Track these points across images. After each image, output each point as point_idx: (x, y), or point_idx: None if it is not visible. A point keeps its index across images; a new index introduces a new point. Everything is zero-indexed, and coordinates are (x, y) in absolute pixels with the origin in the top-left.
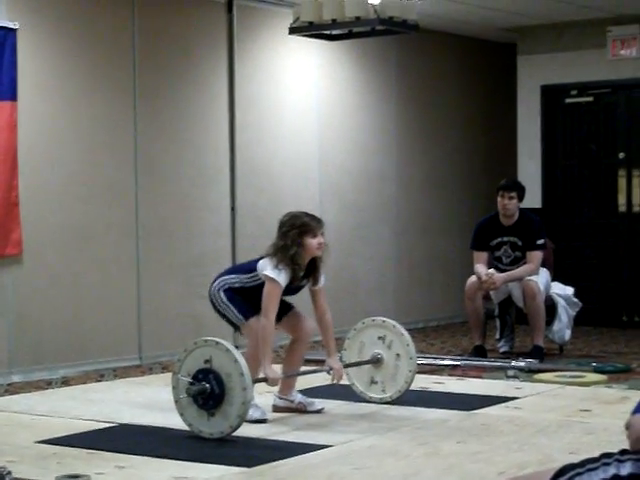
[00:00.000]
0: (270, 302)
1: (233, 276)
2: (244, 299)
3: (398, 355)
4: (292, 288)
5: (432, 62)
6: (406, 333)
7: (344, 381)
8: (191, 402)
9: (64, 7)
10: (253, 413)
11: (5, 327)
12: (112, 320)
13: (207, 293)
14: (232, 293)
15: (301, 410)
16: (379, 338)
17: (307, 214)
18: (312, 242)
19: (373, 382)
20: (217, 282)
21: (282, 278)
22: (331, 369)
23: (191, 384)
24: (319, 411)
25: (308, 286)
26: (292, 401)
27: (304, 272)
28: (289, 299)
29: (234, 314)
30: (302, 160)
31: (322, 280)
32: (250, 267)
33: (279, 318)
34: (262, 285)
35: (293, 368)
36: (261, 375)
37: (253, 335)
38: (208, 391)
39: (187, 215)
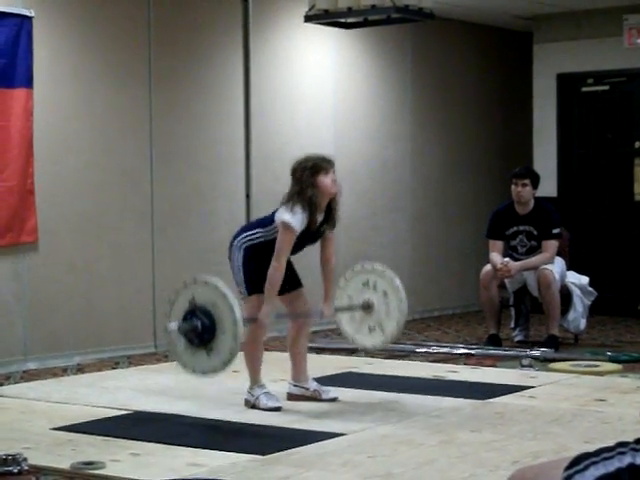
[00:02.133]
0: (283, 246)
1: (255, 230)
2: (260, 265)
3: (385, 292)
4: (310, 234)
5: (448, 50)
6: (387, 269)
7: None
8: (188, 346)
9: None
10: (267, 401)
11: (21, 314)
12: (127, 307)
13: (228, 244)
14: (251, 255)
15: (316, 398)
16: (363, 284)
17: (317, 155)
18: (326, 180)
19: (371, 330)
20: (240, 237)
21: (296, 222)
22: (322, 314)
23: (180, 325)
24: (334, 399)
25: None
26: (307, 389)
27: (323, 215)
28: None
29: (242, 281)
30: (317, 147)
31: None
32: (270, 219)
33: (283, 290)
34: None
35: (299, 356)
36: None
37: (251, 313)
38: (199, 326)
39: (202, 202)
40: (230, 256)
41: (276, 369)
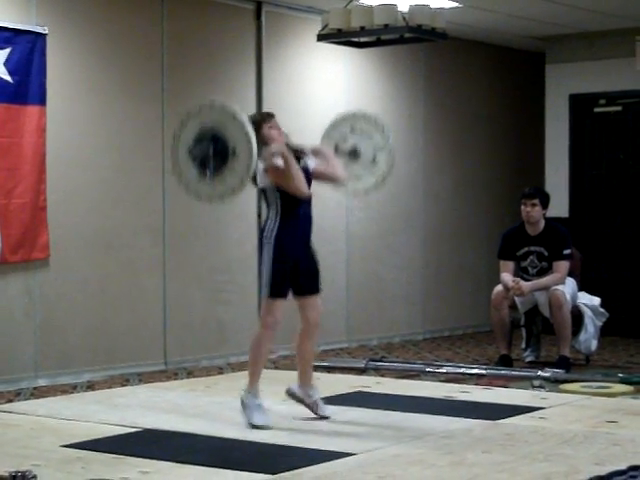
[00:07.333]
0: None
1: (267, 224)
2: (285, 269)
3: (370, 134)
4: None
5: (460, 70)
6: (368, 112)
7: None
8: (201, 176)
9: (93, 12)
10: (258, 419)
11: (31, 331)
12: (138, 325)
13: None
14: (278, 253)
15: (311, 409)
16: (351, 130)
17: (257, 112)
18: (271, 132)
19: (357, 177)
20: (265, 234)
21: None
22: (314, 150)
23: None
24: (324, 417)
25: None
26: (310, 396)
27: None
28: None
29: (266, 280)
30: None
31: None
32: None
33: (300, 291)
34: (284, 206)
35: (303, 362)
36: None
37: (265, 315)
38: (211, 151)
39: (214, 221)
40: (260, 250)
41: (285, 388)
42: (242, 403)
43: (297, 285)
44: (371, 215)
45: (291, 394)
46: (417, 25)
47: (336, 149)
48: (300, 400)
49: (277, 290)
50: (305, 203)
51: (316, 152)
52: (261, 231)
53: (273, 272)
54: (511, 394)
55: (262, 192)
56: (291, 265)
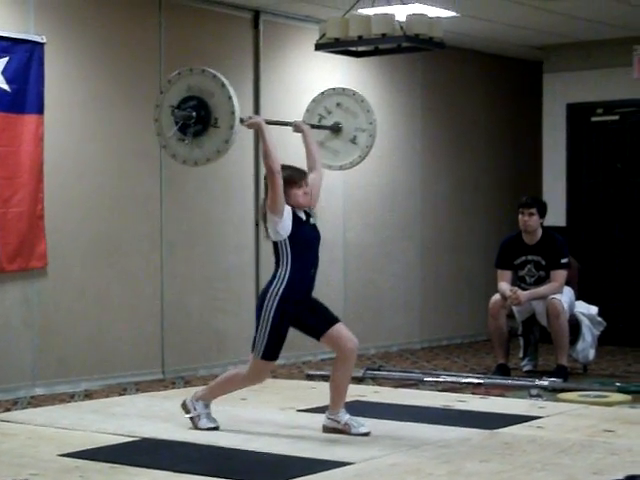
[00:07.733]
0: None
1: (274, 283)
2: (282, 334)
3: (355, 113)
4: (308, 227)
5: (458, 79)
6: (358, 92)
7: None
8: (181, 138)
9: (91, 21)
10: (207, 423)
11: (29, 340)
12: (135, 333)
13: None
14: (280, 313)
15: (346, 432)
16: (337, 105)
17: (290, 167)
18: (297, 193)
19: (334, 153)
20: (269, 296)
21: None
22: (296, 126)
23: (174, 112)
24: (365, 434)
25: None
26: (338, 422)
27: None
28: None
29: (261, 341)
30: (326, 175)
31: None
32: (277, 259)
33: (322, 331)
34: (294, 263)
35: (339, 390)
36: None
37: (254, 373)
38: (194, 116)
39: (211, 229)
40: (260, 309)
41: (282, 397)
42: (185, 407)
43: (311, 328)
44: (368, 223)
45: (326, 429)
46: (415, 34)
47: (320, 121)
48: (334, 430)
49: (271, 354)
50: (314, 265)
51: (298, 128)
52: (266, 286)
53: (270, 334)
54: (508, 403)
55: (274, 246)
56: (292, 322)
